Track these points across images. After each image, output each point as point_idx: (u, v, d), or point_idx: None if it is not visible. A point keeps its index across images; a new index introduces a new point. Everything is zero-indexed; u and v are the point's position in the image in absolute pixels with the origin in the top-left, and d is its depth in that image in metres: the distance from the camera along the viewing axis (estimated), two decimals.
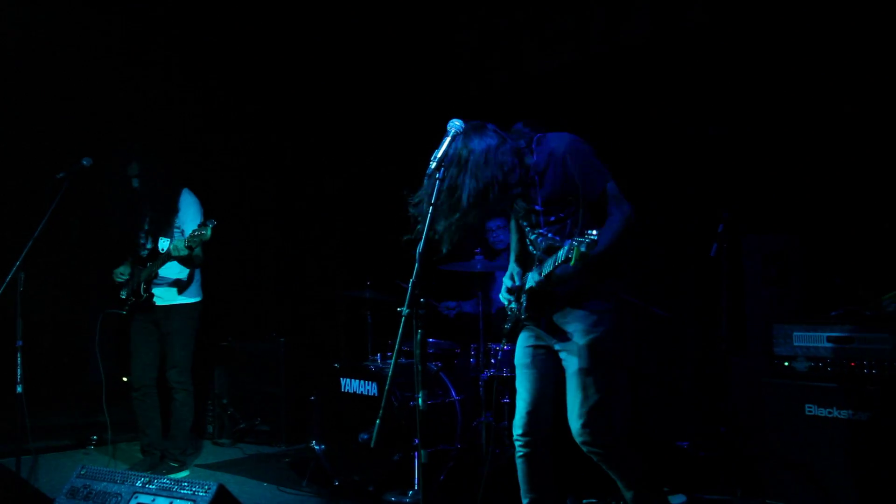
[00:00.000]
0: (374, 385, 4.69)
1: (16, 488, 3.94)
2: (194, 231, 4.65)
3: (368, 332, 5.53)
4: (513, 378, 4.87)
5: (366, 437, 4.47)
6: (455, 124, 2.97)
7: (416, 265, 2.73)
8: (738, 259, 4.63)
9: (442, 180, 2.91)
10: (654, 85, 5.41)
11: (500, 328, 5.27)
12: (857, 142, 4.59)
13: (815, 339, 4.04)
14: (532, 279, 3.22)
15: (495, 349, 4.98)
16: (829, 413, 3.89)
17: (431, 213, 2.82)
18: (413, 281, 2.72)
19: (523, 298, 3.31)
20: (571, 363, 3.17)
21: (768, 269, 4.69)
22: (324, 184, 7.62)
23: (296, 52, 7.11)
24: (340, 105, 7.33)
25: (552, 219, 3.22)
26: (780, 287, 4.65)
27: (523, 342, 3.40)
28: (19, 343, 4.39)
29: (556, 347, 3.24)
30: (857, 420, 3.79)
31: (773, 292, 4.64)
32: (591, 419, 3.13)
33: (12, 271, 4.33)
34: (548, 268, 3.08)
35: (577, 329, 3.18)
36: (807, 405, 3.97)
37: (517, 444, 3.34)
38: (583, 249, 2.79)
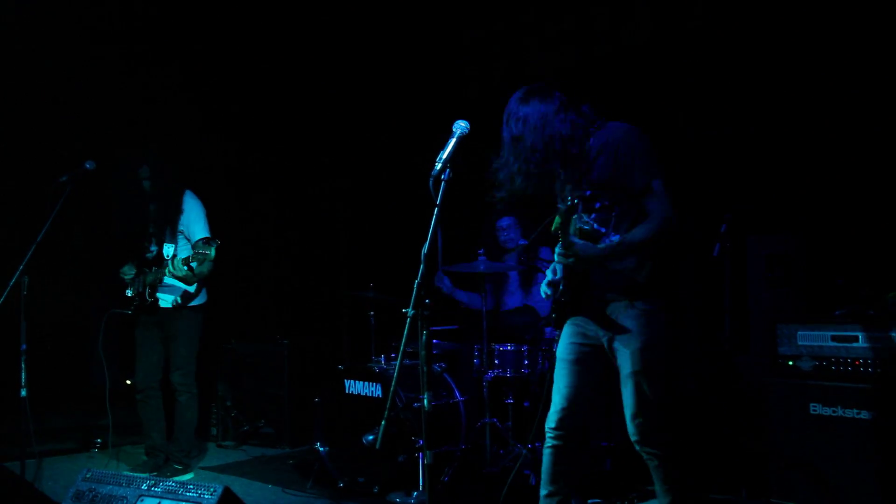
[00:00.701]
0: (379, 386, 4.70)
1: (22, 492, 3.94)
2: (197, 250, 4.58)
3: (372, 334, 5.53)
4: (515, 378, 4.92)
5: (370, 438, 4.47)
6: (461, 125, 2.97)
7: (422, 266, 2.73)
8: (741, 259, 4.63)
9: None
10: (657, 86, 5.42)
11: (509, 328, 5.30)
12: (858, 142, 4.59)
13: (819, 339, 4.04)
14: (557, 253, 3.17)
15: (499, 350, 4.99)
16: (834, 412, 3.89)
17: (437, 213, 2.81)
18: (418, 282, 2.72)
19: (562, 286, 3.28)
20: (625, 365, 3.15)
21: (771, 269, 4.70)
22: (326, 185, 7.63)
23: (298, 53, 7.11)
24: (344, 106, 7.34)
25: (597, 205, 3.15)
26: (784, 287, 4.65)
27: (569, 337, 3.34)
28: (23, 347, 4.40)
29: (607, 347, 3.21)
30: (862, 419, 3.79)
31: (777, 292, 4.64)
32: (648, 419, 3.12)
33: (16, 275, 4.34)
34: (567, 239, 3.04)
35: (628, 330, 3.15)
36: (811, 404, 3.97)
37: (548, 435, 3.31)
38: (568, 204, 2.83)
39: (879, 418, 3.74)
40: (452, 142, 2.94)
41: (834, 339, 3.99)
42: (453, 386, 4.98)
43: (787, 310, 4.50)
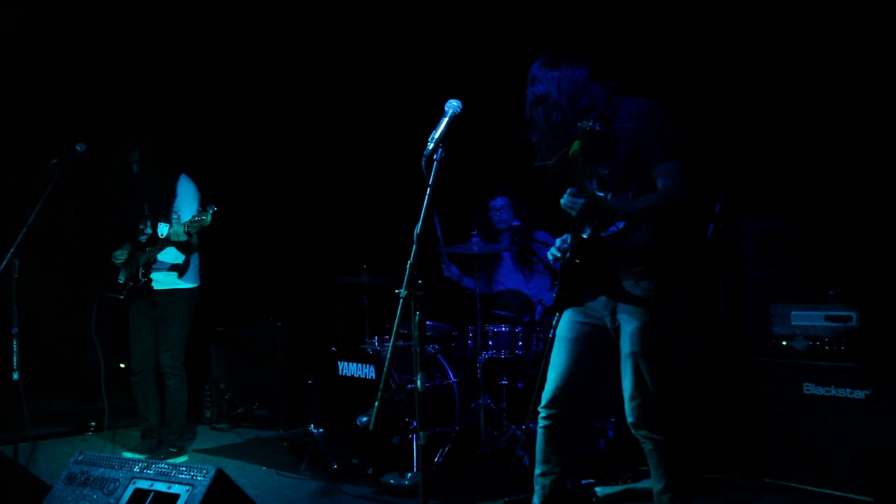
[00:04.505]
0: (372, 368, 4.69)
1: (14, 475, 3.93)
2: (194, 216, 4.69)
3: (366, 316, 5.52)
4: (509, 359, 4.92)
5: (364, 420, 4.47)
6: (452, 105, 2.94)
7: (414, 247, 2.71)
8: (735, 240, 4.63)
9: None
10: (651, 66, 5.38)
11: (502, 309, 5.29)
12: (852, 122, 4.58)
13: (812, 318, 4.05)
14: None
15: (493, 331, 4.98)
16: (827, 391, 3.91)
17: (430, 194, 2.79)
18: (411, 262, 2.70)
19: (569, 254, 3.17)
20: (626, 345, 3.06)
21: (766, 249, 4.69)
22: (320, 168, 7.60)
23: (291, 37, 7.06)
24: (336, 92, 7.29)
25: (615, 185, 3.12)
26: (778, 267, 4.65)
27: (571, 315, 3.24)
28: (15, 330, 4.38)
29: (610, 327, 3.12)
30: (855, 398, 3.81)
31: (771, 272, 4.64)
32: (645, 402, 3.04)
33: (7, 258, 4.31)
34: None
35: (631, 310, 3.06)
36: (805, 384, 3.98)
37: (541, 415, 3.22)
38: (588, 125, 2.75)
39: (872, 397, 3.75)
40: (444, 121, 2.90)
41: (827, 318, 4.00)
42: (447, 367, 4.98)
43: (781, 289, 4.49)
